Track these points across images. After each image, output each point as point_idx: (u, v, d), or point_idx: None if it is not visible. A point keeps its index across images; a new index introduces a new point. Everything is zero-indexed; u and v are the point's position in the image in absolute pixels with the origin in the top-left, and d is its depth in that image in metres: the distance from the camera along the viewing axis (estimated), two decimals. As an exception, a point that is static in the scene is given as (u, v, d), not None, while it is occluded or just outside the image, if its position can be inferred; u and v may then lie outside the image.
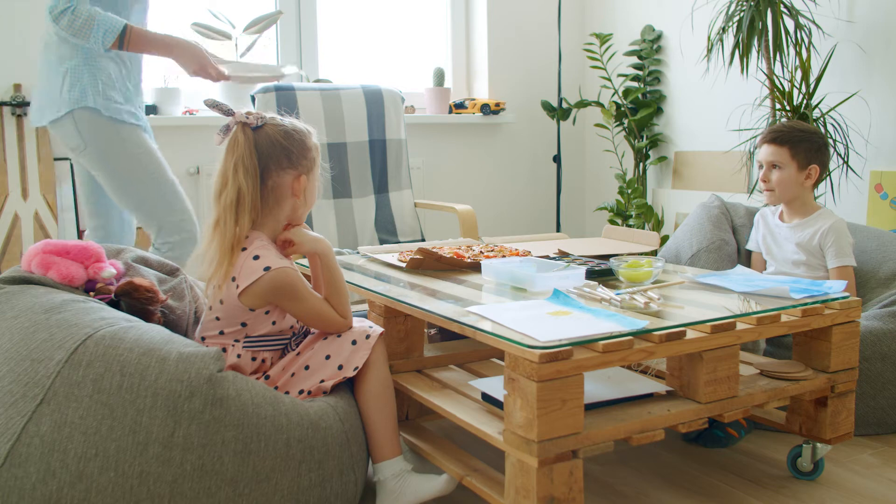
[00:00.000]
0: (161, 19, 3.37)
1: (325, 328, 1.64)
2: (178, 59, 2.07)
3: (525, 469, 1.33)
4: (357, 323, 1.68)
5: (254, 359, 1.62)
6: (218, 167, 1.58)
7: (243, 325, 1.61)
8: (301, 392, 1.60)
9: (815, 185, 2.27)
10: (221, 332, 1.61)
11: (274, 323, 1.63)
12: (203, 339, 1.64)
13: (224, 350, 1.60)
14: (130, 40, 2.05)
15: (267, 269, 1.54)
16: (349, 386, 1.65)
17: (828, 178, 2.77)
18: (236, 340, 1.61)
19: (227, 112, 1.60)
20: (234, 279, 1.57)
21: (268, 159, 1.58)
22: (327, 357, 1.61)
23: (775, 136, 2.23)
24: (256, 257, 1.55)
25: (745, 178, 3.25)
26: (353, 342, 1.61)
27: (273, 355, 1.65)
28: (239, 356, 1.60)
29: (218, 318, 1.61)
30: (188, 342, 1.47)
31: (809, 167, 2.21)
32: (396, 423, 1.63)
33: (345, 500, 1.53)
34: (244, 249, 1.58)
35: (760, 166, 2.28)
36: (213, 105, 1.61)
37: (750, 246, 2.42)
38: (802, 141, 2.21)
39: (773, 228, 2.32)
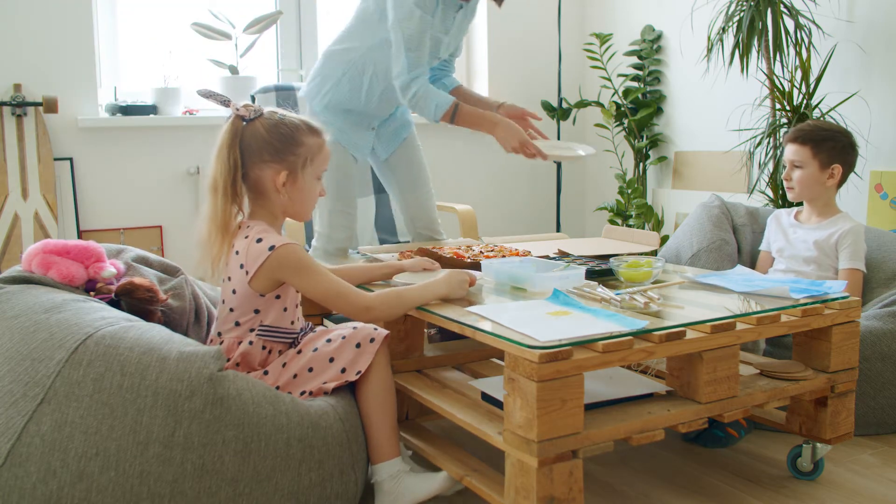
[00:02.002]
0: (161, 20, 3.37)
1: (342, 307, 1.59)
2: (500, 136, 2.19)
3: (525, 469, 1.33)
4: (360, 324, 1.67)
5: (263, 347, 1.63)
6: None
7: (256, 311, 1.62)
8: (302, 393, 1.60)
9: (840, 184, 2.25)
10: (237, 324, 1.62)
11: (286, 310, 1.64)
12: (220, 333, 1.65)
13: (241, 343, 1.62)
14: (459, 115, 2.20)
15: (272, 247, 1.56)
16: (350, 386, 1.65)
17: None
18: (251, 330, 1.62)
19: (223, 102, 1.63)
20: (242, 266, 1.58)
21: (248, 152, 1.61)
22: (331, 360, 1.61)
23: (797, 135, 2.23)
24: (259, 240, 1.57)
25: (745, 178, 3.25)
26: (357, 345, 1.61)
27: (282, 348, 1.66)
28: (251, 343, 1.61)
29: (232, 310, 1.63)
30: (189, 341, 1.47)
31: (832, 167, 2.19)
32: (396, 424, 1.63)
33: (345, 499, 1.53)
34: (246, 237, 1.60)
35: (784, 165, 2.29)
36: (207, 95, 1.64)
37: (762, 247, 2.41)
38: (826, 140, 2.20)
39: (786, 228, 2.31)
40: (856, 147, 2.27)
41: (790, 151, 2.25)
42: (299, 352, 1.64)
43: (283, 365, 1.62)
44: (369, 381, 1.61)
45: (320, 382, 1.59)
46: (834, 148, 2.20)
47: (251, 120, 1.62)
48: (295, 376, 1.61)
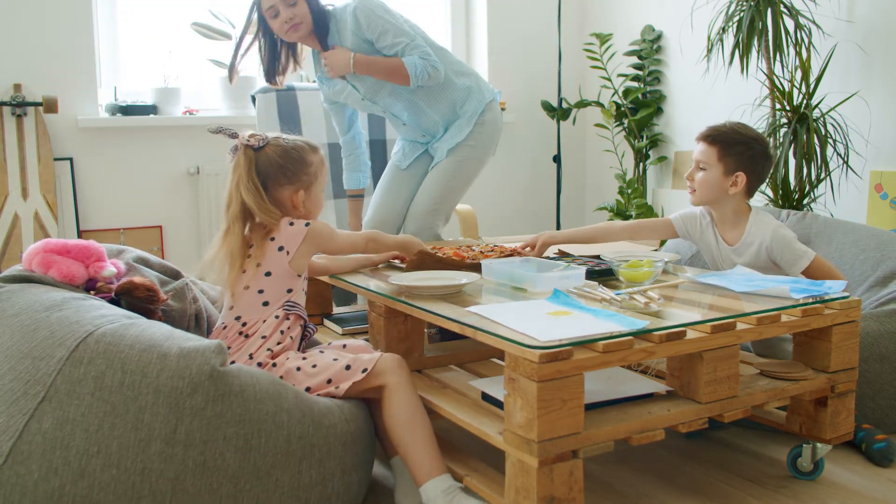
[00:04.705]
0: (161, 20, 3.37)
1: (356, 250, 1.93)
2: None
3: (525, 469, 1.33)
4: (367, 355, 1.66)
5: (287, 318, 1.70)
6: (227, 185, 1.76)
7: (289, 291, 1.72)
8: (308, 389, 1.61)
9: (748, 196, 2.04)
10: (266, 304, 1.70)
11: (304, 290, 1.77)
12: (238, 317, 1.69)
13: (265, 321, 1.68)
14: None
15: (307, 224, 1.73)
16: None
17: (827, 178, 2.77)
18: (278, 308, 1.70)
19: (232, 135, 1.76)
20: (281, 248, 1.70)
21: (266, 177, 1.74)
22: (329, 381, 1.62)
23: (709, 134, 2.03)
24: (291, 223, 1.73)
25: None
26: (347, 367, 1.62)
27: (296, 320, 1.72)
28: (277, 317, 1.69)
29: (261, 291, 1.69)
30: (190, 336, 1.47)
31: (736, 174, 1.98)
32: (433, 442, 1.56)
33: (346, 500, 1.53)
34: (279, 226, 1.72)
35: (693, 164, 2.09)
36: (217, 131, 1.78)
37: (675, 221, 2.16)
38: (736, 144, 1.99)
39: (720, 244, 2.09)
40: (770, 158, 2.05)
41: (698, 150, 2.04)
42: (304, 359, 1.66)
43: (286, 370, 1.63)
44: (392, 404, 1.58)
45: (324, 380, 1.60)
46: (743, 154, 1.98)
47: (261, 148, 1.74)
48: (298, 369, 1.63)
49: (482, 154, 2.65)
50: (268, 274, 1.70)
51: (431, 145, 2.69)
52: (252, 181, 1.71)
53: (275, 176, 1.74)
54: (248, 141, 1.73)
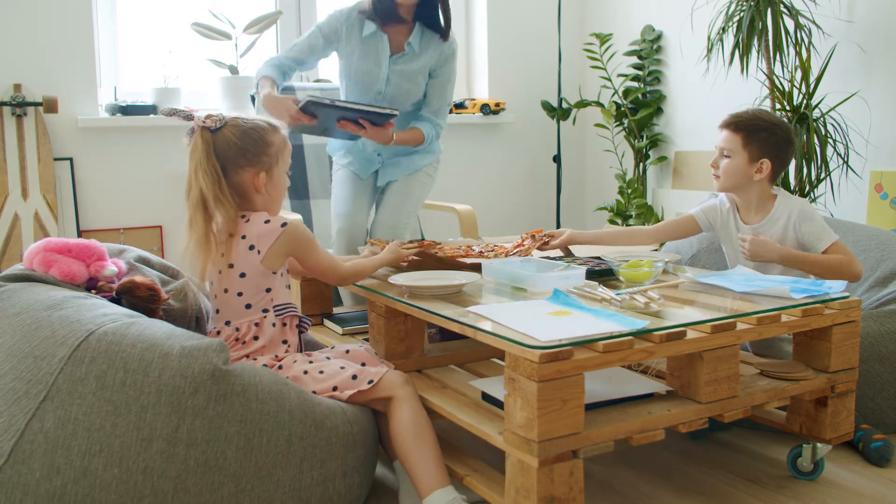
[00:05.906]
0: (161, 20, 3.37)
1: (330, 278, 1.80)
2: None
3: (525, 469, 1.33)
4: (373, 368, 1.67)
5: (284, 325, 1.67)
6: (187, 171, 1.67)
7: (268, 290, 1.66)
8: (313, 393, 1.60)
9: (773, 181, 2.06)
10: (248, 306, 1.65)
11: (288, 287, 1.72)
12: (228, 322, 1.66)
13: (257, 324, 1.64)
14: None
15: (283, 224, 1.64)
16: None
17: (827, 178, 2.78)
18: (265, 310, 1.65)
19: (187, 117, 1.68)
20: (252, 247, 1.62)
21: (225, 160, 1.66)
22: (334, 388, 1.62)
23: (732, 122, 2.04)
24: (267, 221, 1.65)
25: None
26: (354, 377, 1.62)
27: (292, 320, 1.69)
28: (274, 325, 1.65)
29: (240, 294, 1.65)
30: (191, 335, 1.48)
31: (761, 161, 2.00)
32: (438, 455, 1.56)
33: (348, 501, 1.53)
34: (248, 221, 1.65)
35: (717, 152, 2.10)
36: (170, 113, 1.71)
37: (697, 215, 2.19)
38: (760, 131, 2.00)
39: (740, 227, 2.10)
40: (792, 143, 2.05)
41: (721, 138, 2.05)
42: (311, 362, 1.65)
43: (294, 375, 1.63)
44: (396, 417, 1.58)
45: (330, 387, 1.60)
46: (767, 141, 1.99)
47: (218, 129, 1.66)
48: (305, 372, 1.62)
49: (431, 186, 2.81)
50: (242, 275, 1.64)
51: (388, 160, 2.71)
52: (212, 165, 1.63)
53: (234, 158, 1.65)
54: (205, 122, 1.65)
